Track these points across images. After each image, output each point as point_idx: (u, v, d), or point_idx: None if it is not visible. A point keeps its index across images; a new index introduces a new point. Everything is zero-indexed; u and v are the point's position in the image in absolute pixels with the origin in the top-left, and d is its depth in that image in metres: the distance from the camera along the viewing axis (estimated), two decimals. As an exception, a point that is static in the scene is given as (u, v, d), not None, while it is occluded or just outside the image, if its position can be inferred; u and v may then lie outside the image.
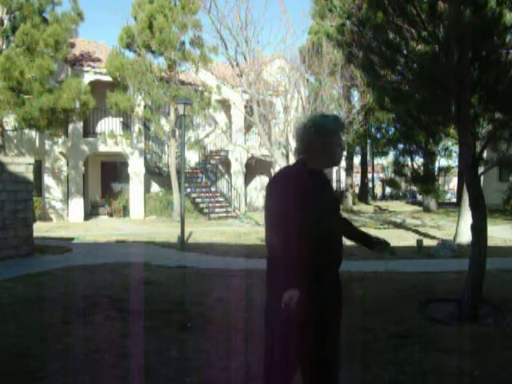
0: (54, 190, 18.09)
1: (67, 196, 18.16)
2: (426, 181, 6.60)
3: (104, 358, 3.65)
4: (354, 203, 25.19)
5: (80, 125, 17.78)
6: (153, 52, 17.34)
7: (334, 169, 27.84)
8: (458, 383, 3.36)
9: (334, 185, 29.23)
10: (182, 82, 18.13)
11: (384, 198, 37.30)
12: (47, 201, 18.02)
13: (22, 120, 13.88)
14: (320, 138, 2.25)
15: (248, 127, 21.35)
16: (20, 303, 5.32)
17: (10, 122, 15.52)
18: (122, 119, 19.35)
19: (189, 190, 19.21)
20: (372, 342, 4.00)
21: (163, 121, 19.08)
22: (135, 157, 19.10)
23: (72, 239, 11.74)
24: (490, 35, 4.46)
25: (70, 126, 17.44)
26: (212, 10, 13.93)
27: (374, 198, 34.40)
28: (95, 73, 18.19)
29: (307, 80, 17.44)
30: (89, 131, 18.73)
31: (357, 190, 31.32)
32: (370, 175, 35.34)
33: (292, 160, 17.37)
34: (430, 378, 3.32)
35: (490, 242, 5.45)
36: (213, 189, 20.83)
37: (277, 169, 13.92)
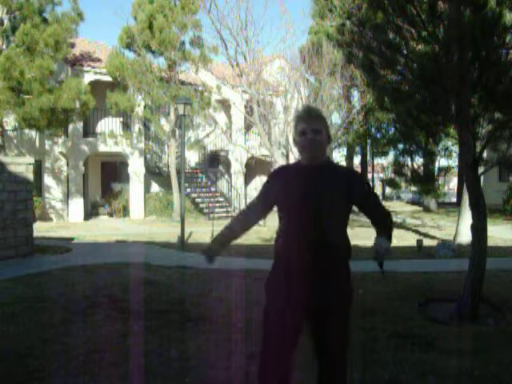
0: (53, 189, 18.09)
1: (67, 196, 18.16)
2: (426, 181, 6.60)
3: (104, 357, 3.65)
4: (354, 203, 25.13)
5: (80, 125, 17.77)
6: (153, 52, 17.34)
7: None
8: (457, 383, 3.36)
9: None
10: (182, 82, 18.13)
11: (383, 198, 37.27)
12: (47, 201, 18.02)
13: (21, 120, 13.88)
14: (294, 130, 2.35)
15: (248, 127, 21.34)
16: (20, 303, 5.31)
17: (10, 122, 15.52)
18: (122, 119, 19.34)
19: (189, 190, 19.21)
20: (372, 342, 4.00)
21: (163, 121, 19.09)
22: (135, 157, 19.10)
23: (72, 239, 11.74)
24: (490, 35, 4.46)
25: (70, 126, 17.43)
26: (212, 10, 13.97)
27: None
28: (95, 73, 18.19)
29: (307, 80, 17.43)
30: (89, 131, 18.72)
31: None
32: (370, 175, 35.32)
33: (291, 159, 17.41)
34: (429, 378, 3.32)
35: (490, 242, 5.45)
36: (213, 189, 20.83)
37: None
